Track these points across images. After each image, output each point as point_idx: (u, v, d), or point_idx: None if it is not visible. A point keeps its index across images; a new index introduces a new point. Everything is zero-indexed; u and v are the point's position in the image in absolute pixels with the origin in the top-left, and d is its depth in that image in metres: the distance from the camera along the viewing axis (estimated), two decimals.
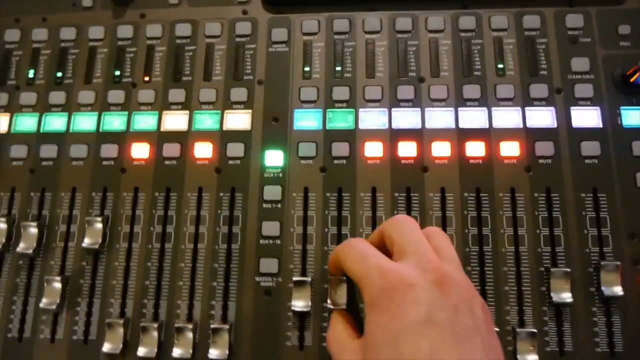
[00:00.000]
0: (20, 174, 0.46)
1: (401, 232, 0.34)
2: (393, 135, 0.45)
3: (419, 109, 0.45)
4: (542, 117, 0.45)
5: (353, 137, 0.45)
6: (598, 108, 0.45)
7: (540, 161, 0.44)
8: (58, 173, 0.46)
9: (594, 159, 0.44)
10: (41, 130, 0.47)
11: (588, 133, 0.44)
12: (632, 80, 0.45)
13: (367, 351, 0.29)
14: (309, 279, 0.40)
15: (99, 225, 0.43)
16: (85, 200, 0.45)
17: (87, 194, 0.45)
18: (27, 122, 0.47)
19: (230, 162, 0.45)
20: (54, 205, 0.45)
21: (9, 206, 0.45)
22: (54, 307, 0.41)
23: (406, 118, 0.45)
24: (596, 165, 0.43)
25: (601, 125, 0.45)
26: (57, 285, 0.42)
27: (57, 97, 0.48)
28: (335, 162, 0.44)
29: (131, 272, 0.43)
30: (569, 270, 0.40)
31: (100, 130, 0.47)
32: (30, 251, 0.43)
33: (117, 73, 0.48)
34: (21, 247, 0.43)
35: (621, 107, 0.45)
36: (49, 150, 0.47)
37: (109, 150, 0.46)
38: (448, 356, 0.27)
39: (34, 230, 0.43)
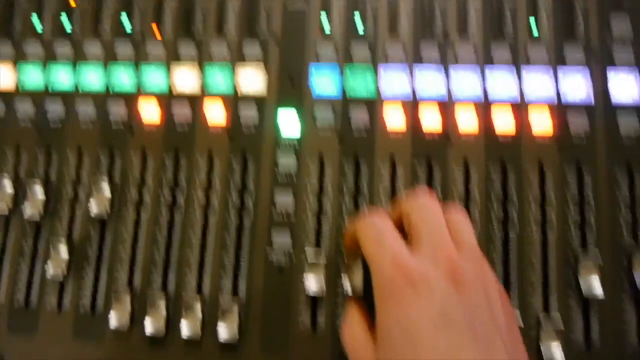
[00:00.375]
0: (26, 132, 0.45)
1: (421, 216, 0.32)
2: (415, 101, 0.43)
3: (443, 67, 0.43)
4: (577, 85, 0.43)
5: (373, 104, 0.43)
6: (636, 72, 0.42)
7: (573, 134, 0.42)
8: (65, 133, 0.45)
9: (631, 133, 0.42)
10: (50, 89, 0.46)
11: (626, 107, 0.43)
12: None
13: (381, 346, 0.29)
14: (323, 261, 0.40)
15: (106, 189, 0.42)
16: (94, 162, 0.44)
17: (95, 155, 0.44)
18: (33, 78, 0.46)
19: (245, 130, 0.44)
20: (61, 166, 0.44)
21: (14, 166, 0.45)
22: (60, 275, 0.41)
23: (430, 79, 0.43)
24: (634, 141, 0.42)
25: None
26: (64, 250, 0.41)
27: (64, 48, 0.46)
28: (354, 130, 0.43)
29: (139, 239, 0.42)
30: (600, 261, 0.38)
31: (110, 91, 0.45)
32: (37, 218, 0.43)
33: (128, 25, 0.46)
34: (28, 212, 0.42)
35: None
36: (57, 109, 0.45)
37: (119, 111, 0.45)
38: (467, 356, 0.26)
39: (39, 191, 0.43)
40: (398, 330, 0.28)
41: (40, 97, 0.46)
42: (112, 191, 0.43)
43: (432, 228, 0.31)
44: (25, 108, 0.45)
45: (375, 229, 0.32)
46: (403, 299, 0.28)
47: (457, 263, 0.29)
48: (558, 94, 0.42)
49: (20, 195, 0.43)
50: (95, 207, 0.42)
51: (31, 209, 0.42)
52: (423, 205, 0.33)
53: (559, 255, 0.40)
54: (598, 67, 0.42)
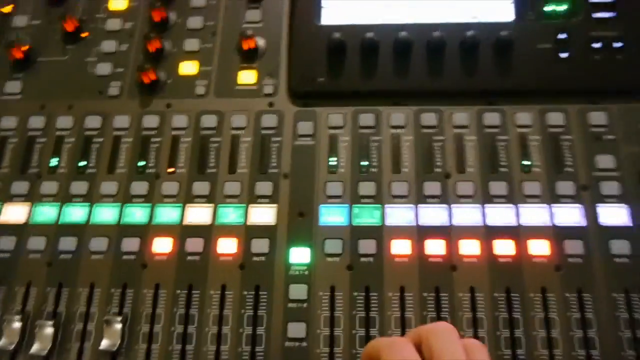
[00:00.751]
0: (37, 267, 0.48)
1: (441, 342, 0.36)
2: (420, 232, 0.48)
3: (446, 205, 0.49)
4: (570, 214, 0.49)
5: (380, 233, 0.48)
6: (625, 206, 0.48)
7: (570, 260, 0.47)
8: (77, 267, 0.48)
9: (624, 257, 0.47)
10: (60, 222, 0.50)
11: (617, 231, 0.48)
12: None
13: None
14: None
15: (118, 326, 0.45)
16: (104, 297, 0.47)
17: (106, 290, 0.47)
18: (47, 213, 0.50)
19: (255, 258, 0.47)
20: (71, 302, 0.47)
21: (23, 302, 0.47)
22: None
23: (433, 215, 0.49)
24: (627, 265, 0.46)
25: (630, 224, 0.48)
26: None
27: (79, 187, 0.51)
28: (362, 259, 0.47)
29: None
30: None
31: (122, 222, 0.49)
32: (44, 353, 0.45)
33: (141, 163, 0.51)
34: (35, 348, 0.44)
35: None
36: (68, 243, 0.49)
37: (130, 244, 0.48)
38: None
39: (49, 330, 0.45)
40: None
41: (51, 230, 0.50)
42: (123, 324, 0.44)
43: (452, 354, 0.35)
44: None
45: (399, 353, 0.35)
46: None
47: None
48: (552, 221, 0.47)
49: (27, 330, 0.45)
50: (106, 342, 0.44)
51: (38, 345, 0.44)
52: (443, 332, 0.37)
53: None
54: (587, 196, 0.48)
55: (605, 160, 0.51)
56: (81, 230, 0.50)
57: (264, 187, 0.51)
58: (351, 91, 0.54)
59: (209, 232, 0.49)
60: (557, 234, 0.48)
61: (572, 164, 0.51)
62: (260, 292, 0.47)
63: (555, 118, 0.53)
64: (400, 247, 0.48)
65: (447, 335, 0.36)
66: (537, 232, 0.48)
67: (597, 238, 0.48)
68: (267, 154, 0.52)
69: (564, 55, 0.54)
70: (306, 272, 0.48)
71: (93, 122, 0.54)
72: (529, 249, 0.48)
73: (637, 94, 0.54)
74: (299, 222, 0.49)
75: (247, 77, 0.56)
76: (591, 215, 0.49)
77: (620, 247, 0.48)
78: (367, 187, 0.50)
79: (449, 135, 0.52)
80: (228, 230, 0.49)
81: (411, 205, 0.50)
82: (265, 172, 0.51)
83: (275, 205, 0.50)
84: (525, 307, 0.46)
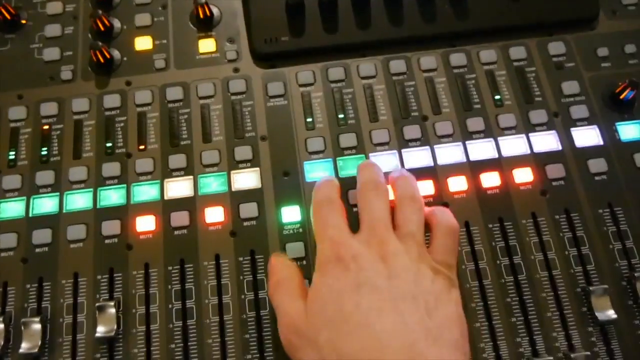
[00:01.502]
0: (11, 265, 0.45)
1: (364, 201, 0.42)
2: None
3: (428, 147, 0.49)
4: (547, 141, 0.50)
5: None
6: (595, 126, 0.50)
7: (554, 183, 0.48)
8: (55, 259, 0.45)
9: (602, 175, 0.49)
10: (30, 215, 0.47)
11: (592, 151, 0.50)
12: (621, 97, 0.51)
13: (311, 304, 0.38)
14: None
15: (112, 310, 0.42)
16: (91, 285, 0.44)
17: (92, 278, 0.44)
18: (13, 208, 0.47)
19: (245, 223, 0.46)
20: (55, 295, 0.44)
21: (1, 303, 0.44)
22: None
23: (417, 157, 0.49)
24: (606, 181, 0.48)
25: (602, 143, 0.50)
26: None
27: (45, 177, 0.48)
28: (355, 209, 0.46)
29: (153, 358, 0.42)
30: (607, 287, 0.43)
31: (98, 206, 0.47)
32: (35, 350, 0.42)
33: (109, 145, 0.49)
34: (24, 347, 0.42)
35: (616, 123, 0.50)
36: (42, 236, 0.46)
37: (111, 227, 0.46)
38: (384, 313, 0.35)
39: (36, 326, 0.42)
40: (326, 292, 0.37)
41: (21, 224, 0.47)
42: (117, 308, 0.42)
43: (370, 213, 0.41)
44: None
45: (321, 216, 0.42)
46: (334, 273, 0.38)
47: (387, 247, 0.38)
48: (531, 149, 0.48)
49: (12, 331, 0.42)
50: (101, 328, 0.42)
51: (28, 344, 0.41)
52: (366, 191, 0.42)
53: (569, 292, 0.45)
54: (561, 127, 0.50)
55: (570, 87, 0.53)
56: (55, 221, 0.47)
57: (243, 152, 0.49)
58: (316, 47, 0.53)
59: (193, 204, 0.47)
60: (538, 160, 0.49)
61: (540, 93, 0.52)
62: (257, 256, 0.46)
63: (518, 52, 0.54)
64: (391, 192, 0.48)
65: (368, 194, 0.42)
66: (518, 161, 0.49)
67: (575, 160, 0.50)
68: (241, 118, 0.51)
69: None
70: (300, 230, 0.47)
71: (49, 108, 0.51)
72: (514, 178, 0.49)
73: (588, 23, 0.56)
74: (285, 181, 0.48)
75: (206, 45, 0.54)
76: (566, 139, 0.51)
77: (597, 165, 0.49)
78: (348, 139, 0.50)
79: (419, 80, 0.53)
80: (213, 199, 0.48)
81: (394, 150, 0.50)
82: (242, 137, 0.50)
83: (257, 168, 0.49)
84: (519, 233, 0.47)
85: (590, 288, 0.44)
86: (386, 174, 0.46)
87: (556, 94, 0.52)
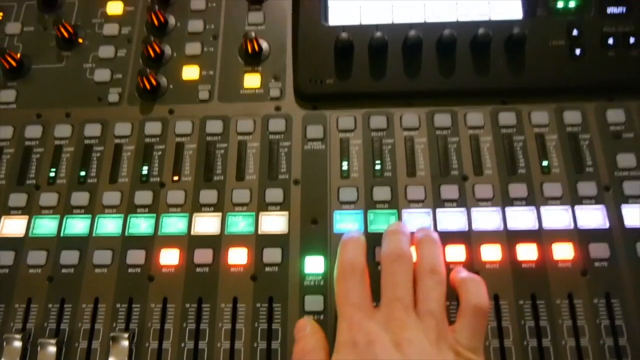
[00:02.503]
0: (38, 283, 0.46)
1: (387, 273, 0.40)
2: (440, 238, 0.46)
3: (464, 209, 0.47)
4: (593, 216, 0.47)
5: None
6: None
7: (596, 264, 0.45)
8: (79, 282, 0.46)
9: None
10: (61, 235, 0.47)
11: None
12: None
13: None
14: None
15: (125, 343, 0.43)
16: (109, 313, 0.45)
17: (111, 305, 0.45)
18: (46, 225, 0.48)
19: (267, 268, 0.45)
20: (75, 318, 0.45)
21: (24, 319, 0.45)
22: None
23: (452, 219, 0.47)
24: None
25: None
26: None
27: (80, 198, 0.49)
28: (379, 268, 0.45)
29: None
30: None
31: (126, 234, 0.47)
32: None
33: (145, 172, 0.50)
34: None
35: None
36: (70, 257, 0.46)
37: (136, 257, 0.46)
38: None
39: (52, 349, 0.43)
40: None
41: (52, 243, 0.48)
42: (130, 340, 0.42)
43: (391, 288, 0.39)
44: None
45: (344, 286, 0.40)
46: (353, 357, 0.36)
47: (404, 332, 0.36)
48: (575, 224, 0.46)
49: (29, 350, 0.43)
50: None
51: None
52: (389, 264, 0.40)
53: None
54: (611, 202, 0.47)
55: (626, 159, 0.50)
56: (83, 243, 0.48)
57: (274, 194, 0.49)
58: (361, 92, 0.53)
59: (218, 242, 0.47)
60: (581, 236, 0.47)
61: (592, 163, 0.50)
62: (274, 304, 0.45)
63: (573, 116, 0.52)
64: None
65: (390, 267, 0.40)
66: (560, 235, 0.47)
67: (622, 240, 0.47)
68: (276, 159, 0.50)
69: (577, 51, 0.53)
70: (322, 282, 0.46)
71: (92, 130, 0.52)
72: (553, 253, 0.46)
73: None
74: (312, 229, 0.48)
75: (251, 80, 0.54)
76: (615, 216, 0.47)
77: None
78: (382, 192, 0.49)
79: (463, 136, 0.51)
80: (238, 239, 0.47)
81: (428, 209, 0.48)
82: (275, 178, 0.50)
83: (286, 212, 0.48)
84: (552, 314, 0.44)
85: None
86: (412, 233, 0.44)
87: (610, 165, 0.49)
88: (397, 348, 0.36)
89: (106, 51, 0.56)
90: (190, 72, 0.54)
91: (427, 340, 0.36)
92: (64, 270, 0.47)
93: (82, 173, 0.51)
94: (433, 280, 0.40)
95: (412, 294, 0.39)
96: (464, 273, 0.42)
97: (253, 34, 0.53)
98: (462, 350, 0.37)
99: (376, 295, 0.41)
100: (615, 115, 0.52)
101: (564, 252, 0.46)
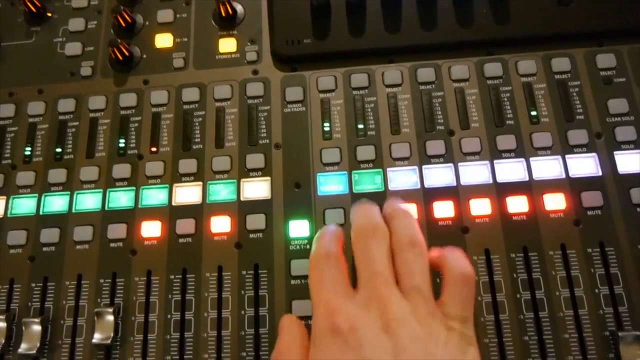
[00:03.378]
0: (19, 263, 0.45)
1: (360, 250, 0.36)
2: (427, 195, 0.45)
3: (451, 164, 0.46)
4: (585, 164, 0.46)
5: (383, 199, 0.45)
6: None
7: (589, 213, 0.44)
8: (61, 259, 0.45)
9: None
10: (41, 213, 0.47)
11: (636, 179, 0.45)
12: None
13: None
14: None
15: (110, 317, 0.42)
16: (93, 289, 0.44)
17: (95, 281, 0.44)
18: (25, 205, 0.47)
19: (251, 235, 0.45)
20: (58, 296, 0.44)
21: (7, 300, 0.44)
22: None
23: (439, 175, 0.46)
24: None
25: None
26: None
27: (57, 175, 0.48)
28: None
29: None
30: (638, 333, 0.39)
31: (106, 208, 0.46)
32: (34, 351, 0.42)
33: (122, 145, 0.48)
34: (23, 347, 0.42)
35: None
36: (50, 235, 0.45)
37: (117, 231, 0.45)
38: None
39: (36, 327, 0.42)
40: None
41: (31, 222, 0.47)
42: (115, 315, 0.42)
43: (369, 265, 0.35)
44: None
45: (318, 273, 0.36)
46: (331, 350, 0.32)
47: (390, 309, 0.32)
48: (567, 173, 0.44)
49: (14, 330, 0.42)
50: (98, 335, 0.42)
51: (27, 344, 0.41)
52: (363, 238, 0.36)
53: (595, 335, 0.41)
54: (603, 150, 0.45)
55: (618, 105, 0.48)
56: (63, 220, 0.47)
57: (255, 160, 0.48)
58: (340, 51, 0.51)
59: (200, 212, 0.46)
60: (573, 186, 0.45)
61: (582, 111, 0.48)
62: (260, 271, 0.44)
63: (561, 64, 0.50)
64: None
65: (366, 242, 0.36)
66: (551, 185, 0.46)
67: (615, 188, 0.45)
68: (256, 124, 0.49)
69: None
70: (307, 246, 0.45)
71: (66, 105, 0.51)
72: (545, 204, 0.45)
73: None
74: (296, 193, 0.46)
75: (227, 45, 0.52)
76: (608, 163, 0.46)
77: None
78: (365, 151, 0.47)
79: (448, 90, 0.49)
80: (220, 208, 0.46)
81: (414, 166, 0.47)
82: (255, 144, 0.48)
83: (268, 177, 0.47)
84: (544, 266, 0.43)
85: (620, 334, 0.40)
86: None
87: (601, 112, 0.48)
88: (385, 331, 0.32)
89: (76, 24, 0.55)
90: (164, 40, 0.53)
91: (415, 319, 0.33)
92: (45, 249, 0.46)
93: (58, 150, 0.50)
94: (413, 252, 0.36)
95: (392, 269, 0.35)
96: (439, 249, 0.38)
97: None
98: (453, 324, 0.33)
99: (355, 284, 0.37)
100: (605, 61, 0.50)
101: (555, 202, 0.45)
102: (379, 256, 0.35)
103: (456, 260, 0.36)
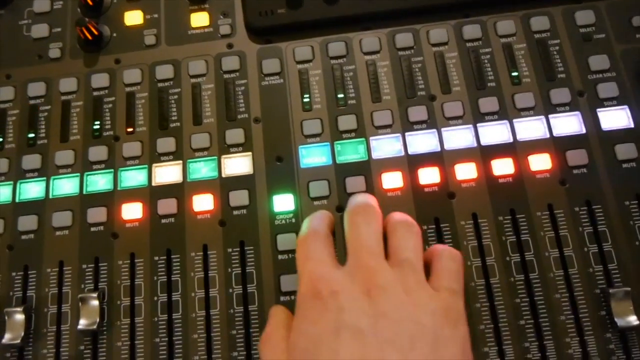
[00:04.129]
0: None
1: (351, 227, 0.36)
2: (411, 162, 0.44)
3: (434, 130, 0.45)
4: (569, 123, 0.45)
5: (367, 169, 0.44)
6: (626, 107, 0.46)
7: (575, 172, 0.44)
8: (41, 246, 0.44)
9: (631, 162, 0.44)
10: (17, 200, 0.45)
11: (620, 135, 0.45)
12: None
13: (290, 356, 0.32)
14: None
15: (95, 302, 0.41)
16: (76, 275, 0.43)
17: (77, 267, 0.43)
18: (0, 193, 0.45)
19: (235, 212, 0.43)
20: (40, 284, 0.43)
21: None
22: None
23: (423, 141, 0.45)
24: (635, 169, 0.44)
25: (632, 125, 0.45)
26: None
27: (31, 160, 0.47)
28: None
29: (137, 352, 0.41)
30: (629, 289, 0.39)
31: (84, 192, 0.45)
32: (18, 340, 0.41)
33: (97, 127, 0.47)
34: (7, 337, 0.41)
35: None
36: (27, 222, 0.44)
37: (97, 215, 0.44)
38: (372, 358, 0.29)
39: (19, 316, 0.41)
40: (303, 340, 0.31)
41: (7, 210, 0.46)
42: (100, 300, 0.41)
43: (360, 242, 0.34)
44: None
45: (304, 248, 0.36)
46: (311, 314, 0.32)
47: (375, 277, 0.32)
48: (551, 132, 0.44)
49: None
50: (84, 321, 0.41)
51: (11, 334, 0.40)
52: (356, 219, 0.36)
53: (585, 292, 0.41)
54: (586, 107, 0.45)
55: (599, 61, 0.47)
56: (40, 207, 0.46)
57: (234, 135, 0.46)
58: (315, 20, 0.49)
59: (181, 191, 0.45)
60: (558, 145, 0.45)
61: (564, 69, 0.47)
62: (246, 248, 0.43)
63: (540, 22, 0.49)
64: (391, 180, 0.44)
65: (355, 218, 0.36)
66: (536, 146, 0.45)
67: (600, 145, 0.45)
68: (233, 99, 0.48)
69: None
70: (293, 220, 0.44)
71: (36, 89, 0.49)
72: (530, 165, 0.44)
73: None
74: (278, 167, 0.45)
75: (199, 19, 0.51)
76: (591, 121, 0.46)
77: (626, 151, 0.45)
78: (347, 121, 0.46)
79: (428, 55, 0.48)
80: (202, 186, 0.45)
81: (397, 134, 0.46)
82: (234, 119, 0.47)
83: (249, 153, 0.46)
84: (533, 227, 0.43)
85: (611, 290, 0.40)
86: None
87: (582, 70, 0.47)
88: (367, 295, 0.31)
89: (41, 5, 0.52)
90: (133, 17, 0.51)
91: (401, 287, 0.32)
92: (23, 237, 0.45)
93: (31, 135, 0.48)
94: (409, 230, 0.36)
95: (382, 245, 0.35)
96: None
97: None
98: (442, 295, 0.33)
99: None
100: (584, 17, 0.49)
101: (541, 162, 0.44)
102: (367, 232, 0.35)
103: (444, 246, 0.37)
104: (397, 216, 0.37)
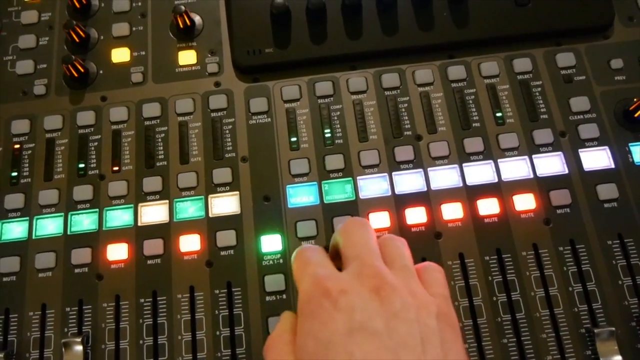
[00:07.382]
0: None
1: (347, 235, 0.35)
2: (398, 202, 0.45)
3: (421, 169, 0.46)
4: (552, 163, 0.47)
5: (355, 208, 0.45)
6: (606, 147, 0.47)
7: (559, 211, 0.45)
8: (23, 289, 0.43)
9: (612, 202, 0.45)
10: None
11: (602, 175, 0.46)
12: (636, 115, 0.47)
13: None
14: None
15: (79, 347, 0.40)
16: (59, 318, 0.42)
17: (60, 310, 0.43)
18: None
19: (222, 252, 0.44)
20: (22, 328, 0.42)
21: None
22: None
23: (409, 181, 0.46)
24: (616, 209, 0.45)
25: (613, 166, 0.46)
26: None
27: (14, 200, 0.46)
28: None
29: None
30: (613, 329, 0.40)
31: (69, 233, 0.45)
32: None
33: (82, 165, 0.47)
34: None
35: (630, 144, 0.47)
36: (9, 264, 0.44)
37: (81, 256, 0.44)
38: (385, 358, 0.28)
39: None
40: (312, 342, 0.30)
41: None
42: (84, 344, 0.40)
43: (357, 244, 0.34)
44: None
45: (302, 257, 0.35)
46: (320, 314, 0.30)
47: (382, 276, 0.31)
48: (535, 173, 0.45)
49: None
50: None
51: None
52: (351, 225, 0.36)
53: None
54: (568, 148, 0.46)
55: (579, 103, 0.49)
56: (23, 248, 0.45)
57: (222, 174, 0.47)
58: (302, 59, 0.51)
59: (167, 231, 0.45)
60: (542, 185, 0.46)
61: (546, 110, 0.49)
62: (233, 289, 0.44)
63: (522, 64, 0.51)
64: (378, 220, 0.45)
65: (353, 228, 0.35)
66: (520, 185, 0.46)
67: (583, 185, 0.46)
68: (221, 137, 0.48)
69: None
70: (280, 260, 0.44)
71: (20, 126, 0.49)
72: (515, 205, 0.45)
73: (601, 31, 0.52)
74: (266, 207, 0.46)
75: (186, 57, 0.51)
76: (573, 161, 0.47)
77: (607, 191, 0.46)
78: (334, 160, 0.47)
79: (414, 95, 0.50)
80: (189, 225, 0.45)
81: (384, 173, 0.47)
82: (221, 158, 0.48)
83: (236, 192, 0.46)
84: (518, 267, 0.44)
85: (596, 330, 0.41)
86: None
87: (564, 110, 0.49)
88: (377, 294, 0.31)
89: (27, 41, 0.53)
90: (120, 55, 0.52)
91: (406, 289, 0.32)
92: (5, 279, 0.45)
93: (14, 174, 0.48)
94: (399, 242, 0.36)
95: (379, 251, 0.34)
96: None
97: (182, 8, 0.50)
98: (440, 302, 0.33)
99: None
100: (565, 59, 0.51)
101: (525, 202, 0.46)
102: (365, 236, 0.35)
103: (425, 262, 0.37)
104: (388, 236, 0.37)
